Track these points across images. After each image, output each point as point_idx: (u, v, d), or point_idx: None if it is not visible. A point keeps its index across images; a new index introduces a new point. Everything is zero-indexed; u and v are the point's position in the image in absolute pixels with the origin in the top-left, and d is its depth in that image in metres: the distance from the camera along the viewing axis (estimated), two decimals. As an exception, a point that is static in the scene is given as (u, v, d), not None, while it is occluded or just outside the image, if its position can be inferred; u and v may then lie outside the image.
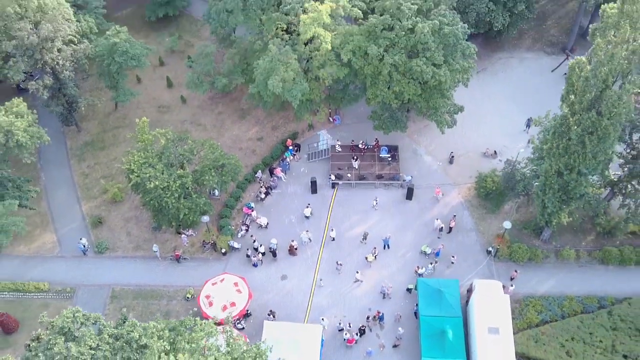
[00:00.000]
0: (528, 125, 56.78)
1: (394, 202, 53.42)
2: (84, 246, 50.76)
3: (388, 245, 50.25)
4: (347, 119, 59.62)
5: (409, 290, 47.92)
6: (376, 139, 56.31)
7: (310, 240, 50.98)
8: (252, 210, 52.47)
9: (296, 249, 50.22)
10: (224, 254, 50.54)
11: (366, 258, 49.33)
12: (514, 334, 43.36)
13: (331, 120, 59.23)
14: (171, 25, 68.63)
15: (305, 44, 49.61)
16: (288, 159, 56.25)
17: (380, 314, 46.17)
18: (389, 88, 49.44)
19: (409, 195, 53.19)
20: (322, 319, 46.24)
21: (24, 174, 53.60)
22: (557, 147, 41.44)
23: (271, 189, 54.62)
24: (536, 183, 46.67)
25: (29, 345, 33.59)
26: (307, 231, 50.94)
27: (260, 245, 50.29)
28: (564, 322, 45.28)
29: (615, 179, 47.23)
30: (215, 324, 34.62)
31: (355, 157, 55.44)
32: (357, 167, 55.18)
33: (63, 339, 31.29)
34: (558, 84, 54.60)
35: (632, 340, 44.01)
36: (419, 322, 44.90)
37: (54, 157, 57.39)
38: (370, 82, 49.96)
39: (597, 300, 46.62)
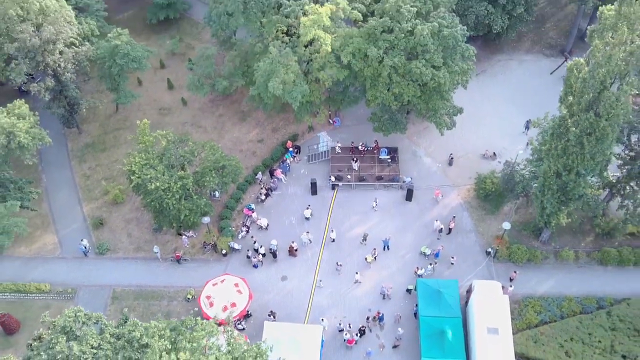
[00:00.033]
0: (527, 127, 57.04)
1: (393, 203, 53.64)
2: (85, 247, 50.97)
3: (388, 246, 50.45)
4: (347, 120, 59.89)
5: (408, 291, 48.10)
6: (376, 140, 56.56)
7: (311, 242, 51.18)
8: (253, 212, 52.70)
9: (296, 250, 50.42)
10: (225, 255, 50.74)
11: (365, 259, 49.53)
12: (513, 334, 43.49)
13: (331, 122, 59.49)
14: (172, 28, 69.01)
15: (306, 46, 49.92)
16: (288, 161, 56.50)
17: (380, 315, 46.35)
18: (388, 90, 49.69)
19: (409, 196, 53.42)
20: (322, 320, 46.44)
21: (25, 175, 53.79)
22: (556, 148, 41.67)
23: (271, 191, 54.84)
24: (535, 184, 46.92)
25: (31, 344, 33.76)
26: (307, 232, 51.13)
27: (261, 247, 50.49)
28: (563, 323, 45.46)
29: (613, 180, 47.45)
30: (216, 324, 34.80)
31: (355, 159, 55.66)
32: (357, 169, 55.40)
33: (65, 338, 31.45)
34: (557, 86, 54.78)
35: (630, 341, 44.17)
36: (418, 322, 45.06)
37: (55, 158, 57.65)
38: (370, 84, 50.22)
39: (596, 300, 46.79)
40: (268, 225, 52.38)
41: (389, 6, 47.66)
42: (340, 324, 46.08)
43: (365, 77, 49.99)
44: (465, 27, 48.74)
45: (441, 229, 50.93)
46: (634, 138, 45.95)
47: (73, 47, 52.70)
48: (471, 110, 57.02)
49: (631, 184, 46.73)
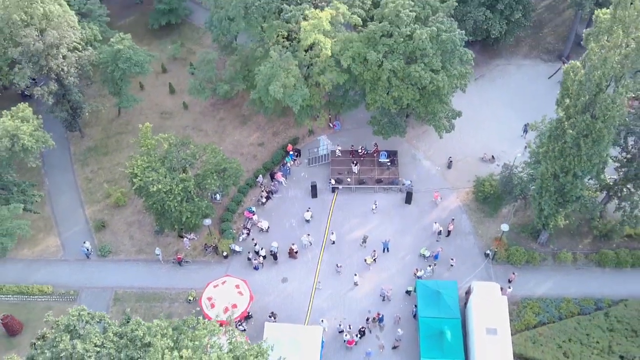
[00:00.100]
0: (525, 131, 57.46)
1: (393, 206, 54.04)
2: (88, 249, 51.35)
3: (387, 249, 50.81)
4: (347, 124, 60.37)
5: (408, 292, 48.40)
6: (375, 144, 57.00)
7: (311, 244, 51.53)
8: (254, 214, 53.10)
9: (297, 252, 50.79)
10: (226, 257, 51.09)
11: (365, 260, 49.88)
12: (511, 335, 43.76)
13: (331, 125, 59.95)
14: (173, 33, 69.66)
15: (306, 51, 50.40)
16: (289, 164, 56.91)
17: (380, 316, 46.66)
18: (388, 93, 50.15)
19: (408, 199, 53.82)
20: (322, 321, 46.76)
21: (28, 178, 54.24)
22: (553, 150, 42.10)
23: (272, 193, 55.26)
24: (533, 187, 47.32)
25: (35, 343, 34.09)
26: (308, 235, 51.50)
27: (262, 249, 50.85)
28: (561, 324, 45.78)
29: (610, 183, 47.84)
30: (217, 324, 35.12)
31: (355, 162, 56.09)
32: (356, 172, 55.82)
33: (69, 337, 31.74)
34: (555, 90, 54.88)
35: (628, 341, 44.50)
36: (418, 323, 45.37)
37: (57, 162, 58.13)
38: (370, 88, 50.70)
39: (594, 302, 47.09)
40: (269, 227, 52.77)
41: (388, 11, 48.17)
42: (340, 325, 46.39)
43: (365, 81, 50.46)
44: (463, 32, 49.29)
45: (440, 231, 51.31)
46: (630, 140, 46.31)
47: (76, 51, 53.22)
48: (470, 114, 57.45)
49: (628, 186, 47.10)
